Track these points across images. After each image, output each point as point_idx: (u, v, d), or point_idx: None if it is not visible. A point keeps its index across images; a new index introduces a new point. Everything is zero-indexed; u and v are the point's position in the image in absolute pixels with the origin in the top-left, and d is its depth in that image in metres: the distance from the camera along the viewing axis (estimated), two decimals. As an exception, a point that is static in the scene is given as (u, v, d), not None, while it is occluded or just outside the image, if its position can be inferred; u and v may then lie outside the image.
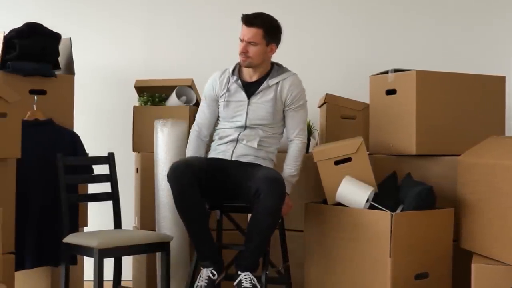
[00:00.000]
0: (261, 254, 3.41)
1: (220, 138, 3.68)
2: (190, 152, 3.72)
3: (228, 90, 3.64)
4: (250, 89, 3.63)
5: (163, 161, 3.91)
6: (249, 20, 3.57)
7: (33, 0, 4.78)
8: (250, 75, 3.65)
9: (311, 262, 3.69)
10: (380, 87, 3.92)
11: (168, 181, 3.45)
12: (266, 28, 3.57)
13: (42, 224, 3.71)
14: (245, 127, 3.61)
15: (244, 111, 3.61)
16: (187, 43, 4.83)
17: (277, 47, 3.65)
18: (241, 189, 3.44)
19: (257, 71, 3.64)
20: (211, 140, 3.76)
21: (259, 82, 3.63)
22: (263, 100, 3.60)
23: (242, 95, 3.62)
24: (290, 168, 3.61)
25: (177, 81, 4.29)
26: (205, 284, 3.46)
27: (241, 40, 3.58)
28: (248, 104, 3.61)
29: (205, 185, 3.47)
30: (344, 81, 4.81)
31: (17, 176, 3.48)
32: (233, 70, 3.67)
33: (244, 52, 3.58)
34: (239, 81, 3.64)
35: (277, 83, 3.60)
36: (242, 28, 3.58)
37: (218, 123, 3.73)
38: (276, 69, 3.65)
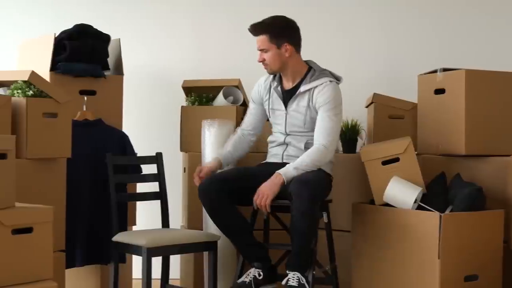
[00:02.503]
0: (306, 254, 3.40)
1: (271, 142, 3.70)
2: (227, 145, 3.74)
3: (270, 97, 3.65)
4: (287, 96, 3.61)
5: (210, 161, 3.93)
6: (253, 29, 3.57)
7: (83, 2, 4.85)
8: (286, 81, 3.63)
9: (358, 262, 3.68)
10: (428, 87, 3.88)
11: (199, 198, 3.51)
12: (270, 31, 3.54)
13: (92, 222, 3.77)
14: (286, 134, 3.62)
15: (283, 119, 3.61)
16: (235, 43, 4.84)
17: (292, 44, 3.55)
18: (285, 190, 3.43)
19: (290, 76, 3.61)
20: (263, 144, 3.75)
21: (294, 89, 3.60)
22: (297, 108, 3.57)
23: (280, 103, 3.62)
24: (297, 160, 3.48)
25: (224, 81, 4.31)
26: (249, 281, 3.48)
27: (258, 50, 3.61)
28: (286, 112, 3.61)
29: (244, 192, 3.48)
30: (392, 80, 4.77)
31: (67, 176, 3.54)
32: (275, 76, 3.66)
33: (261, 61, 3.59)
34: (279, 88, 3.63)
35: (310, 89, 3.55)
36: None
37: (272, 125, 3.74)
38: (311, 73, 3.59)
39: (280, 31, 3.55)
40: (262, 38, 3.55)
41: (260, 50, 3.57)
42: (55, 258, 3.12)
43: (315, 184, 3.36)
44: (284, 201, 3.41)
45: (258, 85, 3.74)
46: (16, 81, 3.41)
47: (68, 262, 3.61)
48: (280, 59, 3.55)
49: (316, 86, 3.54)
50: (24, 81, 3.38)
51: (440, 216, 3.29)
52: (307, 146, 3.57)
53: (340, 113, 3.57)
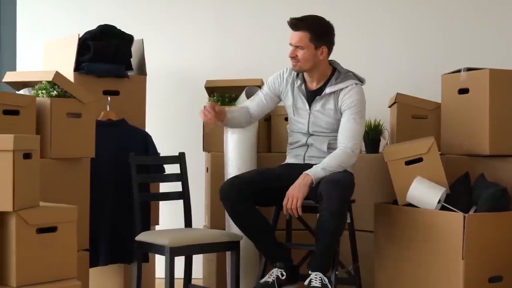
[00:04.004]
0: (331, 255, 3.40)
1: (291, 143, 3.69)
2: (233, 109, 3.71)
3: (293, 95, 3.64)
4: (312, 97, 3.59)
5: (233, 161, 3.93)
6: (295, 23, 3.51)
7: (107, 3, 4.88)
8: (310, 81, 3.62)
9: (381, 263, 3.66)
10: (452, 86, 3.86)
11: (220, 201, 3.50)
12: (313, 30, 3.50)
13: (115, 222, 3.79)
14: (309, 134, 3.61)
15: (306, 119, 3.60)
16: (257, 43, 4.85)
17: (328, 49, 3.55)
18: (311, 191, 3.42)
19: (315, 77, 3.59)
20: (284, 144, 3.73)
21: (319, 90, 3.59)
22: (322, 110, 3.56)
23: (304, 102, 3.60)
24: (324, 161, 3.46)
25: (246, 81, 4.31)
26: (272, 280, 3.48)
27: (290, 45, 3.54)
28: (310, 112, 3.60)
29: (266, 193, 3.48)
30: (415, 80, 4.74)
31: (91, 175, 3.56)
32: (298, 74, 3.65)
33: (293, 57, 3.53)
34: (303, 87, 3.62)
35: (336, 92, 3.54)
36: (291, 32, 3.54)
37: (290, 125, 3.72)
38: (336, 75, 3.58)
39: (322, 33, 3.54)
40: (302, 34, 3.50)
41: (295, 46, 3.52)
42: (79, 257, 3.14)
43: (345, 184, 3.37)
44: (309, 201, 3.41)
45: (279, 75, 3.69)
46: (40, 82, 3.44)
47: (92, 261, 3.63)
48: (314, 60, 3.53)
49: (342, 89, 3.53)
50: (49, 82, 3.40)
51: (464, 216, 3.27)
52: (330, 147, 3.56)
53: (364, 116, 3.57)
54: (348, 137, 3.49)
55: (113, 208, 3.78)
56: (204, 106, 3.55)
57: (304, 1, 4.72)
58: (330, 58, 3.64)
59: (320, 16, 3.57)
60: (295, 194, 3.35)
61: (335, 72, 3.60)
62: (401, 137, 4.18)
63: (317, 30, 3.52)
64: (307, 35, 3.50)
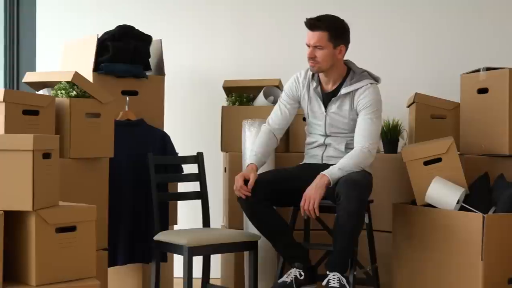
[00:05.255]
0: (348, 255, 3.39)
1: (309, 143, 3.69)
2: (256, 145, 3.63)
3: (309, 97, 3.63)
4: (327, 98, 3.58)
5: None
6: (313, 24, 3.49)
7: (125, 4, 4.90)
8: (326, 82, 3.60)
9: (399, 263, 3.65)
10: (471, 86, 3.84)
11: (238, 202, 3.50)
12: (331, 30, 3.49)
13: (134, 222, 3.80)
14: (327, 135, 3.60)
15: (323, 121, 3.59)
16: (275, 44, 4.85)
17: (346, 48, 3.55)
18: (328, 191, 3.41)
19: (332, 78, 3.58)
20: (301, 144, 3.73)
21: (335, 92, 3.57)
22: (339, 111, 3.55)
23: (320, 104, 3.60)
24: (340, 161, 3.44)
25: (264, 81, 4.32)
26: (290, 280, 3.48)
27: (308, 46, 3.52)
28: (326, 115, 3.59)
29: (284, 194, 3.48)
30: (434, 79, 4.72)
31: (110, 175, 3.57)
32: (313, 75, 3.63)
33: (311, 58, 3.51)
34: (318, 89, 3.60)
35: (351, 92, 3.53)
36: (308, 33, 3.52)
37: (307, 127, 3.72)
38: (351, 76, 3.57)
39: (341, 32, 3.53)
40: (321, 34, 3.49)
41: (314, 46, 3.50)
42: (98, 256, 3.15)
43: (363, 184, 3.36)
44: (326, 202, 3.40)
45: (295, 80, 3.68)
46: (60, 82, 3.46)
47: (111, 260, 3.65)
48: (332, 60, 3.52)
49: (357, 89, 3.53)
50: (68, 82, 3.42)
51: (483, 217, 3.25)
52: (348, 147, 3.56)
53: (381, 115, 3.56)
54: (364, 137, 3.48)
55: (131, 207, 3.80)
56: (240, 186, 3.44)
57: (322, 1, 4.71)
58: (351, 58, 3.64)
59: (335, 16, 3.57)
60: (312, 195, 3.35)
61: (350, 72, 3.60)
62: (419, 137, 4.17)
63: (335, 29, 3.51)
64: (326, 35, 3.49)
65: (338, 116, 3.57)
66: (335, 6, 4.62)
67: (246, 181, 3.44)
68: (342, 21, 3.56)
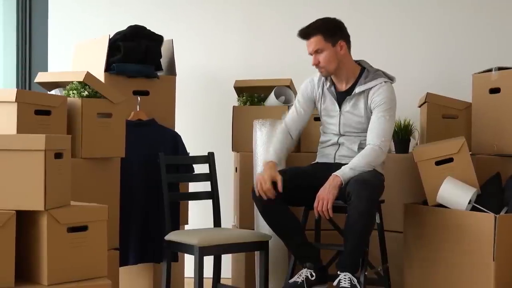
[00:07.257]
0: (359, 255, 3.38)
1: (323, 142, 3.69)
2: (273, 146, 3.63)
3: (323, 97, 3.63)
4: (341, 97, 3.59)
5: (262, 161, 3.93)
6: (305, 32, 3.54)
7: (137, 4, 4.91)
8: (339, 82, 3.61)
9: (410, 264, 3.64)
10: (483, 86, 3.82)
11: (252, 199, 3.51)
12: (324, 31, 3.51)
13: (145, 221, 3.81)
14: (340, 134, 3.60)
15: (337, 120, 3.59)
16: (286, 43, 4.84)
17: (347, 42, 3.55)
18: (340, 191, 3.40)
19: (343, 77, 3.58)
20: (314, 144, 3.73)
21: (349, 91, 3.57)
22: (353, 110, 3.55)
23: (334, 104, 3.60)
24: (352, 161, 3.44)
25: (275, 81, 4.32)
26: (301, 281, 3.48)
27: (310, 54, 3.56)
28: (340, 113, 3.59)
29: (297, 193, 3.48)
30: (446, 79, 4.71)
31: (121, 175, 3.58)
32: (326, 78, 3.63)
33: (316, 64, 3.55)
34: (332, 89, 3.61)
35: (365, 90, 3.53)
36: (306, 44, 3.56)
37: (322, 126, 3.72)
38: (365, 74, 3.57)
39: (333, 29, 3.54)
40: (317, 38, 3.52)
41: (314, 52, 3.53)
42: (109, 256, 3.16)
43: (374, 184, 3.36)
44: (337, 202, 3.40)
45: (309, 82, 3.70)
46: (71, 82, 3.47)
47: (122, 260, 3.66)
48: (336, 58, 3.53)
49: (371, 88, 3.52)
50: (79, 82, 3.43)
51: (495, 217, 3.24)
52: (361, 146, 3.55)
53: (394, 114, 3.55)
54: (376, 134, 3.47)
55: (143, 207, 3.81)
56: (267, 189, 3.41)
57: (333, 2, 4.70)
58: (363, 58, 3.64)
59: (324, 17, 3.58)
60: (325, 196, 3.35)
61: (364, 71, 3.59)
62: (431, 137, 4.15)
63: (327, 29, 3.53)
64: (320, 37, 3.51)
65: (352, 115, 3.56)
66: (345, 7, 4.63)
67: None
68: (333, 19, 3.58)
